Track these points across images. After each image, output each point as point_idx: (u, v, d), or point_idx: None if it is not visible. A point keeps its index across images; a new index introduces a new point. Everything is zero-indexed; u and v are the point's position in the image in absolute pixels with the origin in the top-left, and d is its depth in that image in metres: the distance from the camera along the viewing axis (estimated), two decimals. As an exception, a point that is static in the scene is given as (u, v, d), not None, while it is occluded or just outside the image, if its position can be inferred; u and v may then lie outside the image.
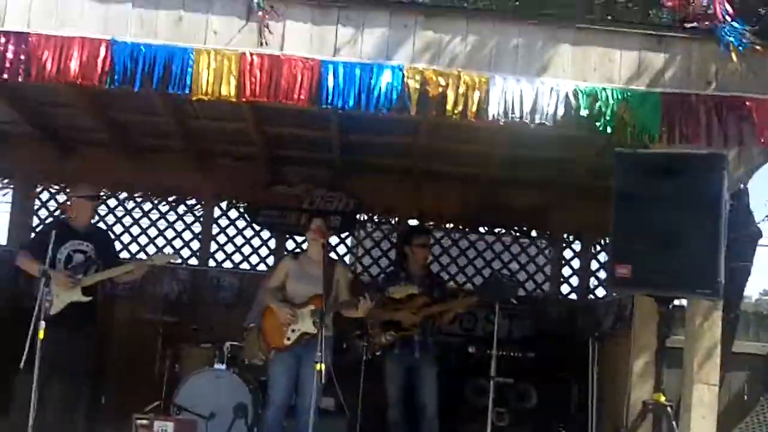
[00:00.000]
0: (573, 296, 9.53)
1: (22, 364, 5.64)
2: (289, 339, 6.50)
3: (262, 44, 5.47)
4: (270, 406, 6.52)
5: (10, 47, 5.42)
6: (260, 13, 5.44)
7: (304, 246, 9.27)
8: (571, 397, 7.64)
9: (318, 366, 5.77)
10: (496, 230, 9.71)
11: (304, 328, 6.46)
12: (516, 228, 9.59)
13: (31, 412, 5.63)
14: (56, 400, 6.36)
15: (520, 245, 9.71)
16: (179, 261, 9.12)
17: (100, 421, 7.45)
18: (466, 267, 9.67)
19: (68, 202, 6.93)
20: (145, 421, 5.95)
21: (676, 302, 5.56)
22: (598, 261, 9.53)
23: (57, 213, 8.96)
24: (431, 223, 9.47)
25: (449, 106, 5.43)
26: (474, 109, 5.43)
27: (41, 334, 5.63)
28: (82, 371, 6.63)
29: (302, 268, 6.71)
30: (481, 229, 9.67)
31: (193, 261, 9.61)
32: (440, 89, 5.44)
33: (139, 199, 9.58)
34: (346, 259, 10.01)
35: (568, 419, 7.63)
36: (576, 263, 9.61)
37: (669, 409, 4.78)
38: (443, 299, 7.54)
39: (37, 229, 6.48)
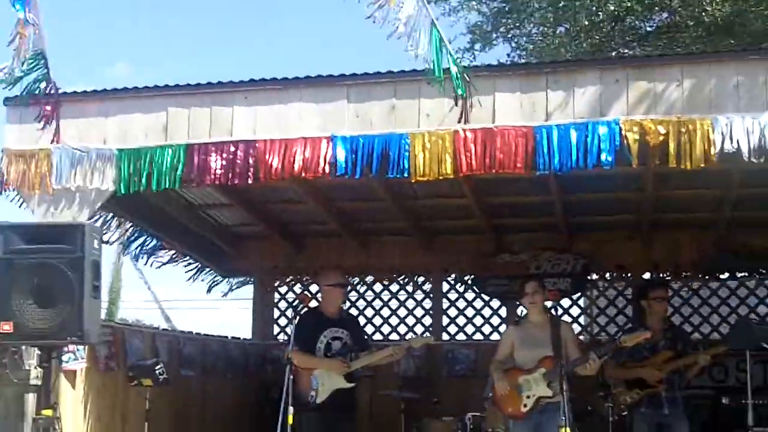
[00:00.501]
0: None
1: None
2: (526, 406, 6.38)
3: (465, 120, 5.57)
4: None
5: (239, 154, 5.87)
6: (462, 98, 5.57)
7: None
8: None
9: (563, 430, 5.63)
10: (738, 275, 9.14)
11: (539, 393, 6.33)
12: (760, 270, 8.99)
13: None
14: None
15: (766, 287, 9.10)
16: (434, 341, 9.26)
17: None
18: (710, 316, 9.21)
19: (319, 292, 7.25)
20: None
21: None
22: None
23: (295, 304, 9.38)
24: (667, 274, 9.09)
25: (672, 153, 5.26)
26: (699, 153, 5.23)
27: (290, 420, 5.85)
28: None
29: (527, 333, 6.61)
30: (722, 276, 9.14)
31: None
32: (661, 137, 5.30)
33: (370, 281, 9.88)
34: (581, 320, 9.81)
35: None
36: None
37: None
38: (687, 351, 7.19)
39: (297, 323, 6.78)
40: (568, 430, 5.65)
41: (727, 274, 9.18)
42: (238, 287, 10.37)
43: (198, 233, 9.20)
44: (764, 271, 9.00)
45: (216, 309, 21.00)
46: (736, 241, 8.64)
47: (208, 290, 10.21)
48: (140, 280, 20.31)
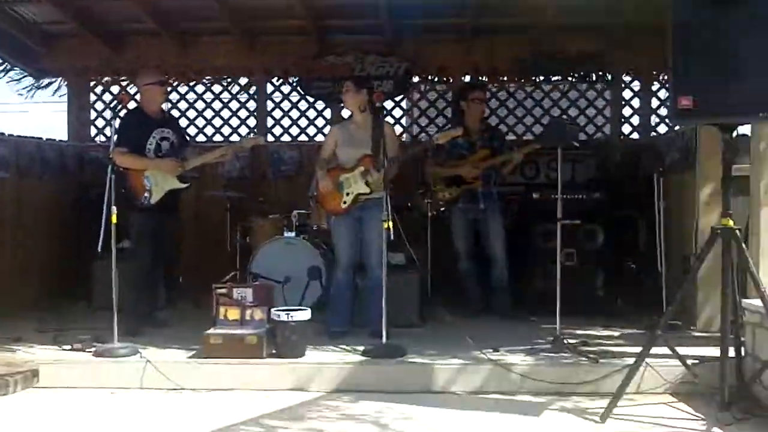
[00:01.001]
0: (635, 136, 9.40)
1: (99, 247, 5.83)
2: (345, 202, 6.58)
3: None
4: (337, 268, 6.68)
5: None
6: None
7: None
8: (638, 233, 7.64)
9: (385, 224, 5.86)
10: (553, 78, 9.52)
11: (357, 190, 6.53)
12: (573, 74, 9.39)
13: (114, 289, 5.86)
14: (140, 278, 6.66)
15: (578, 90, 9.55)
16: (266, 142, 9.21)
17: (178, 295, 7.79)
18: (524, 117, 9.60)
19: (138, 93, 7.03)
20: (223, 290, 6.13)
21: (741, 131, 5.50)
22: (658, 98, 9.36)
23: (114, 103, 9.08)
24: (486, 78, 9.35)
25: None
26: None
27: (114, 219, 5.82)
28: (171, 252, 6.96)
29: (349, 133, 6.73)
30: (537, 79, 9.49)
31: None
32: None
33: (192, 83, 9.62)
34: (403, 121, 10.02)
35: (636, 255, 7.65)
36: (636, 103, 9.44)
37: (737, 232, 4.76)
38: (503, 150, 7.57)
39: (120, 123, 6.58)
40: (389, 223, 5.89)
41: (541, 78, 9.50)
42: (46, 87, 9.78)
43: (6, 31, 8.60)
44: (576, 75, 9.38)
45: (25, 113, 19.83)
46: (551, 45, 8.92)
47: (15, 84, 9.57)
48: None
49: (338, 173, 6.62)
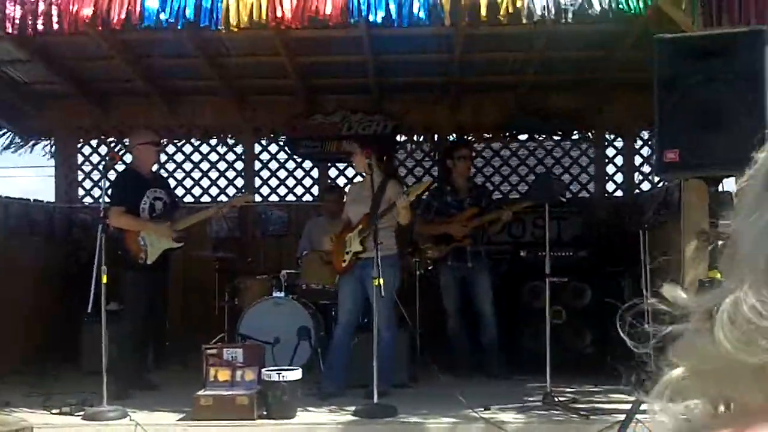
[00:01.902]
0: (619, 193, 9.52)
1: (89, 308, 5.81)
2: (345, 261, 6.66)
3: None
4: (337, 326, 6.70)
5: (40, 2, 5.47)
6: None
7: (347, 172, 9.49)
8: (625, 289, 7.69)
9: (375, 281, 5.90)
10: (538, 136, 9.66)
11: (355, 249, 6.59)
12: (557, 132, 9.54)
13: (103, 352, 5.84)
14: (131, 340, 6.64)
15: (563, 148, 9.69)
16: (255, 201, 9.27)
17: (167, 357, 7.76)
18: (510, 176, 9.70)
19: (131, 150, 7.08)
20: (213, 351, 6.12)
21: (726, 187, 5.58)
22: (641, 155, 9.51)
23: (106, 161, 9.15)
24: (471, 136, 9.47)
25: (483, 13, 5.35)
26: (506, 12, 5.34)
27: (104, 279, 5.82)
28: (160, 314, 6.96)
29: (356, 192, 6.86)
30: (522, 137, 9.62)
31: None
32: (472, -5, 5.36)
33: (180, 143, 9.70)
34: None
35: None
36: (619, 160, 9.58)
37: (726, 285, 4.81)
38: (491, 208, 7.64)
39: (114, 182, 6.65)
40: (380, 280, 5.92)
41: (526, 136, 9.64)
42: (33, 147, 9.82)
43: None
44: (561, 133, 9.53)
45: (11, 177, 19.79)
46: (535, 103, 9.09)
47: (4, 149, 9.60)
48: None
49: (346, 232, 6.70)
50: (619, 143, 9.62)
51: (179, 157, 9.77)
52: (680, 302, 0.71)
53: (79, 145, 9.79)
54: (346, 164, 9.49)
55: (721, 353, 0.63)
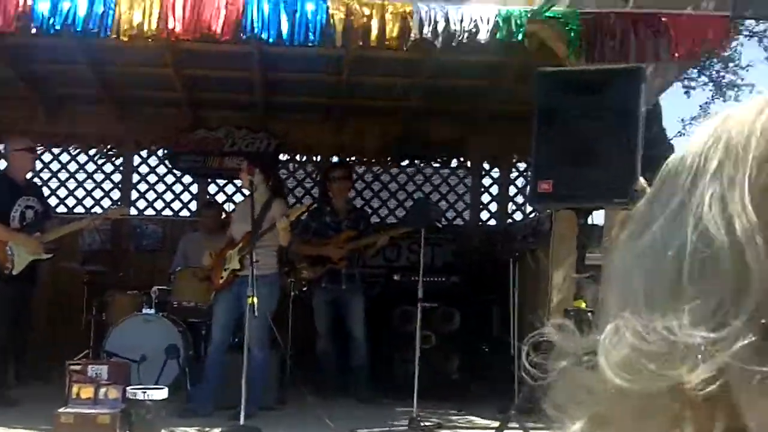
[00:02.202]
0: (492, 222, 9.78)
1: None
2: (222, 278, 6.63)
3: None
4: (211, 343, 6.65)
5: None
6: None
7: (227, 189, 9.43)
8: (493, 316, 7.89)
9: (249, 300, 5.87)
10: (417, 162, 9.83)
11: (231, 266, 6.57)
12: (436, 159, 9.74)
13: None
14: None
15: (441, 176, 9.88)
16: (131, 215, 9.09)
17: (28, 372, 7.53)
18: (388, 200, 9.81)
19: (5, 156, 6.88)
20: (77, 366, 5.98)
21: (594, 221, 5.82)
22: (516, 186, 9.79)
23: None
24: (353, 158, 9.57)
25: (374, 36, 5.46)
26: (397, 36, 5.46)
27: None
28: (24, 326, 6.75)
29: (242, 209, 6.82)
30: (403, 163, 9.78)
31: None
32: (365, 19, 5.45)
33: (56, 151, 9.45)
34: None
35: (491, 338, 7.88)
36: (494, 190, 9.85)
37: (589, 315, 5.00)
38: (369, 232, 7.72)
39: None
40: (254, 299, 5.90)
41: (406, 161, 9.80)
42: None
43: None
44: (440, 161, 9.73)
45: None
46: (418, 130, 9.26)
47: None
48: None
49: (227, 249, 6.66)
50: (495, 173, 9.88)
51: (55, 166, 9.52)
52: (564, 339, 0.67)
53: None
54: (226, 180, 9.44)
55: (608, 388, 0.58)
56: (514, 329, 6.97)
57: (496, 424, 5.31)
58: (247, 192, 6.77)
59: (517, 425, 5.21)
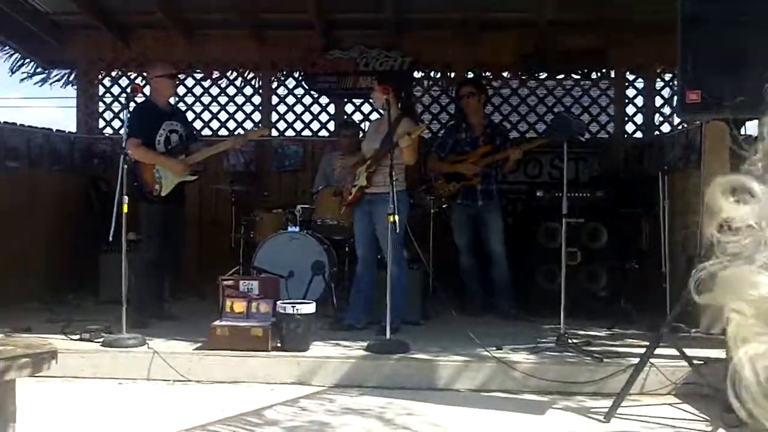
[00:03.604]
0: (638, 135, 9.43)
1: (110, 237, 5.81)
2: (350, 194, 6.68)
3: None
4: (358, 260, 6.75)
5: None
6: None
7: (364, 108, 9.43)
8: (642, 232, 7.66)
9: (390, 218, 5.88)
10: (556, 75, 9.54)
11: (360, 183, 6.60)
12: (576, 71, 9.43)
13: (123, 281, 5.89)
14: (148, 270, 6.70)
15: (582, 88, 9.59)
16: (271, 135, 9.26)
17: (183, 288, 7.86)
18: (527, 115, 9.60)
19: (149, 83, 7.06)
20: (230, 282, 6.16)
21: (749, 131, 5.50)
22: (662, 97, 9.40)
23: (129, 92, 9.16)
24: (488, 73, 9.38)
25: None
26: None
27: (125, 208, 5.84)
28: (176, 245, 6.99)
29: (373, 128, 6.85)
30: (541, 75, 9.51)
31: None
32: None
33: (198, 76, 9.67)
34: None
35: (640, 255, 7.67)
36: (639, 101, 9.46)
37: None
38: (506, 147, 7.55)
39: (132, 113, 6.63)
40: (395, 217, 5.91)
41: (545, 75, 9.53)
42: (56, 80, 9.86)
43: (18, 21, 8.65)
44: (580, 72, 9.42)
45: (29, 108, 19.80)
46: (555, 42, 8.96)
47: (22, 76, 9.60)
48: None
49: (357, 166, 6.69)
50: (639, 84, 9.49)
51: (198, 90, 9.75)
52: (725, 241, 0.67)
53: (100, 77, 9.77)
54: (362, 100, 9.44)
55: None
56: (665, 245, 6.75)
57: (647, 342, 5.17)
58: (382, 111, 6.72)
59: (669, 343, 5.07)
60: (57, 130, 8.88)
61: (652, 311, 6.73)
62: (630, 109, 9.48)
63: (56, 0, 8.52)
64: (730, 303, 0.66)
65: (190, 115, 9.43)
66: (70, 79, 9.75)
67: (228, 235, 8.19)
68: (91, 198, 8.69)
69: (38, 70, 9.61)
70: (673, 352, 5.12)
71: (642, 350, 5.07)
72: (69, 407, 5.02)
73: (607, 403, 4.90)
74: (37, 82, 9.65)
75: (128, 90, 9.34)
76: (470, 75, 9.32)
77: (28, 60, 9.46)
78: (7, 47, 9.11)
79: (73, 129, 9.63)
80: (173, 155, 6.78)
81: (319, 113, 9.76)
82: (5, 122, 7.82)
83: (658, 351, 5.01)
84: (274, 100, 9.76)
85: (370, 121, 9.24)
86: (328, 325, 6.61)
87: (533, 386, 5.40)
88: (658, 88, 9.39)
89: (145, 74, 8.56)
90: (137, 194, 6.48)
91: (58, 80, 9.73)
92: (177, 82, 7.61)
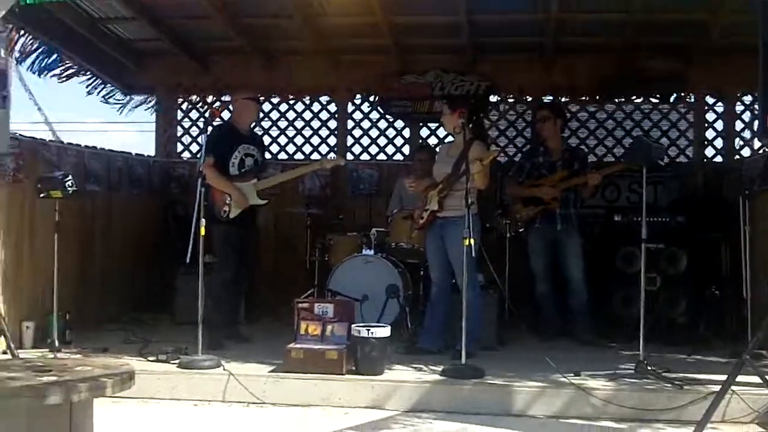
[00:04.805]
0: (718, 159, 9.23)
1: (187, 259, 5.88)
2: (422, 218, 6.68)
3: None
4: (432, 284, 6.73)
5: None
6: None
7: (439, 132, 9.45)
8: (722, 257, 7.49)
9: (466, 241, 5.86)
10: (635, 99, 9.42)
11: (431, 207, 6.60)
12: (655, 94, 9.29)
13: (200, 302, 5.97)
14: (223, 292, 6.78)
15: (661, 112, 9.43)
16: (344, 163, 9.33)
17: (257, 310, 7.94)
18: (605, 139, 9.48)
19: (233, 105, 7.18)
20: (305, 305, 6.20)
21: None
22: (743, 120, 9.18)
23: (208, 115, 9.39)
24: (565, 98, 9.31)
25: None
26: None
27: (203, 231, 5.92)
28: (250, 267, 7.06)
29: (444, 152, 6.84)
30: (619, 99, 9.40)
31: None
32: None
33: (275, 101, 9.82)
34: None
35: (719, 280, 7.48)
36: (719, 125, 9.27)
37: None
38: (584, 171, 7.46)
39: (211, 135, 6.72)
40: (471, 240, 5.88)
41: (623, 98, 9.42)
42: (136, 106, 10.13)
43: (99, 48, 8.94)
44: (659, 96, 9.28)
45: (110, 132, 20.33)
46: (633, 65, 8.86)
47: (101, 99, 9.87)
48: (29, 101, 19.38)
49: (429, 190, 6.70)
50: (719, 107, 9.30)
51: (274, 115, 9.89)
52: None
53: (178, 101, 10.00)
54: (438, 124, 9.45)
55: None
56: (746, 270, 6.58)
57: (727, 369, 5.03)
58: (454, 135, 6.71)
59: (752, 370, 4.92)
60: (136, 154, 9.09)
61: (732, 338, 6.57)
62: (710, 133, 9.30)
63: (137, 27, 8.75)
64: None
65: (267, 139, 9.59)
66: (150, 103, 9.99)
67: (303, 258, 8.27)
68: (168, 221, 8.86)
69: (118, 96, 9.86)
70: (756, 379, 4.97)
71: (722, 377, 4.93)
72: (145, 428, 5.09)
73: (687, 430, 4.80)
74: (118, 109, 9.92)
75: (206, 114, 9.58)
76: (547, 99, 9.26)
77: (108, 85, 9.72)
78: (88, 72, 9.36)
79: (152, 152, 9.85)
80: (244, 178, 6.84)
81: (394, 137, 9.82)
82: (86, 146, 8.03)
83: (739, 378, 4.86)
84: (350, 124, 9.84)
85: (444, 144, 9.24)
86: (403, 348, 6.60)
87: (612, 413, 5.29)
88: (738, 112, 9.19)
89: (227, 98, 8.71)
90: (208, 216, 6.55)
91: (138, 106, 9.98)
92: (259, 107, 7.70)
